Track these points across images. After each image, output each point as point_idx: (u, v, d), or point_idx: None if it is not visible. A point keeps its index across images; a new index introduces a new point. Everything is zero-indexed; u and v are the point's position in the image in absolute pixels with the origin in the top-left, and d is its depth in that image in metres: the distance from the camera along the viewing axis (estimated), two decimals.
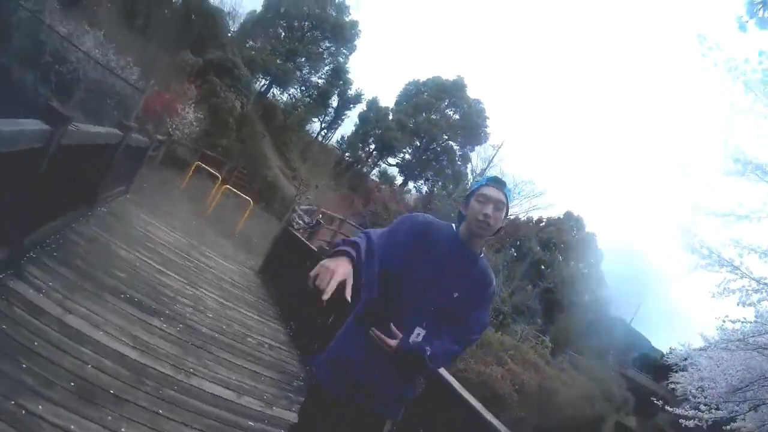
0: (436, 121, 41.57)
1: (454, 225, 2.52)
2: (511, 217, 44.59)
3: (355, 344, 2.43)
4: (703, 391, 13.37)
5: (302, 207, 15.05)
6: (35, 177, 3.11)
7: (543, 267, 43.57)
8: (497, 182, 2.43)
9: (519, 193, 42.72)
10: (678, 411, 13.37)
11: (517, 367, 15.56)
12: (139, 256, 5.70)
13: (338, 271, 1.88)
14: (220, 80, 22.16)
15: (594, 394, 21.42)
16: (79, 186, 4.82)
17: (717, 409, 12.20)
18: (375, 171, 46.12)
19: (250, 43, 34.73)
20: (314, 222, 11.49)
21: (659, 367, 47.19)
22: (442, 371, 3.33)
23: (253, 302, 7.09)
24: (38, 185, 3.28)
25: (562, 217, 49.87)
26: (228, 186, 16.49)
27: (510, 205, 2.48)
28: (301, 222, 10.41)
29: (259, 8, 36.10)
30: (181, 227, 9.41)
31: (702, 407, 12.70)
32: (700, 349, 15.00)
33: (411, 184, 44.76)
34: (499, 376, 13.39)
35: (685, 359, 22.32)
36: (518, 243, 43.57)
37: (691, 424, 12.79)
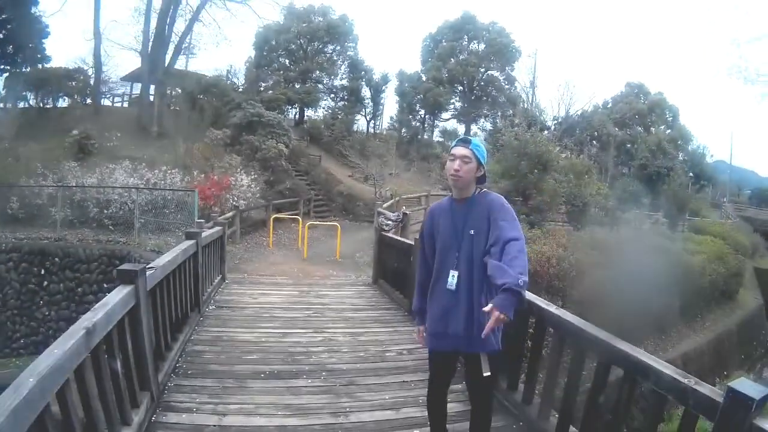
0: (465, 60, 40.97)
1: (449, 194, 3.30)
2: (578, 112, 43.93)
3: (431, 312, 3.18)
4: None
5: (384, 206, 15.28)
6: (140, 330, 3.41)
7: (629, 145, 42.35)
8: (463, 141, 3.07)
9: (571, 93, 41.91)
10: None
11: None
12: (263, 331, 6.02)
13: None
14: (254, 135, 22.57)
15: (722, 250, 20.46)
16: (181, 304, 5.15)
17: None
18: (436, 132, 46.16)
19: (263, 85, 35.35)
20: (401, 216, 11.60)
21: None
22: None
23: (379, 317, 7.30)
24: (149, 331, 3.63)
25: (623, 90, 48.69)
26: (311, 222, 17.00)
27: (479, 155, 3.04)
28: (389, 222, 10.54)
29: (252, 52, 37.03)
30: (287, 281, 9.81)
31: None
32: None
33: (474, 128, 44.54)
34: None
35: None
36: (596, 134, 42.47)
37: None
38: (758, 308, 20.94)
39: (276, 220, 17.05)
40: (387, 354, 5.60)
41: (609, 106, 48.05)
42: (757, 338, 20.28)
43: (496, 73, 42.96)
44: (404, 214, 12.04)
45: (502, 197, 3.20)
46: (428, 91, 39.75)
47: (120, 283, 3.25)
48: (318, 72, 37.48)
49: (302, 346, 5.56)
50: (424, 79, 41.60)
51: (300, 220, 17.09)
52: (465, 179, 3.03)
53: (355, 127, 39.64)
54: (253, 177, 18.74)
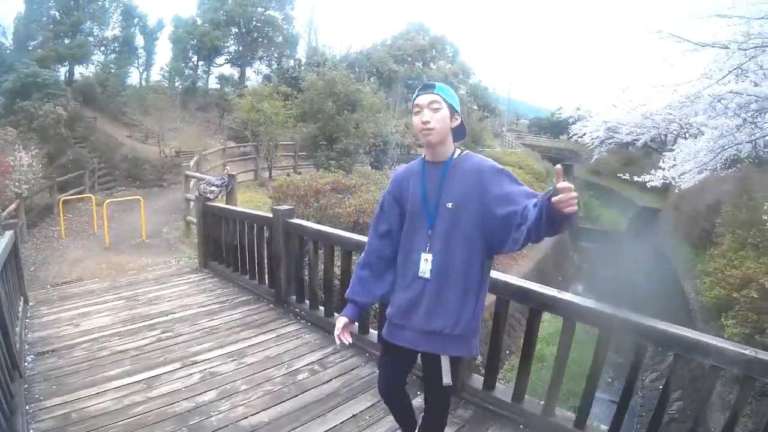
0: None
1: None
2: (358, 50, 44.60)
3: (394, 299, 2.66)
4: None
5: (194, 173, 13.32)
6: None
7: (410, 81, 43.86)
8: (425, 88, 2.49)
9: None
10: (645, 177, 14.40)
11: None
12: (117, 385, 4.13)
13: (342, 329, 2.63)
14: (29, 101, 19.32)
15: (526, 179, 21.54)
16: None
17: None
18: (212, 79, 42.68)
19: (32, 43, 30.70)
20: (226, 179, 9.68)
21: (553, 125, 50.15)
22: None
23: (244, 318, 5.82)
24: None
25: (405, 29, 50.79)
26: (110, 199, 14.53)
27: (450, 100, 2.47)
28: (214, 188, 8.73)
29: (22, 6, 31.86)
30: (102, 287, 7.50)
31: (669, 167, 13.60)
32: None
33: (249, 71, 42.52)
34: None
35: (578, 109, 24.22)
36: (375, 70, 42.80)
37: (658, 183, 13.98)
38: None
39: (64, 202, 14.11)
40: (300, 378, 4.33)
41: (388, 43, 48.80)
42: (566, 259, 22.10)
43: (275, 13, 40.93)
44: (230, 176, 10.20)
45: (491, 160, 2.52)
46: (204, 35, 36.65)
47: None
48: (89, 22, 33.31)
49: (185, 399, 3.94)
50: (199, 22, 38.34)
51: (93, 198, 14.35)
52: (439, 131, 2.43)
53: (128, 81, 36.03)
54: (33, 153, 15.58)
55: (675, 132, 21.84)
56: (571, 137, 39.70)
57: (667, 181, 13.47)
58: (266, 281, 6.50)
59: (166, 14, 52.26)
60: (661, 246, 20.98)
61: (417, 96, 2.49)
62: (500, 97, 62.52)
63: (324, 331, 5.32)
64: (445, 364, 2.53)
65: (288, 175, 19.86)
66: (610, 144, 30.96)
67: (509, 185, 2.38)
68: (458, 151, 2.55)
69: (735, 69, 9.42)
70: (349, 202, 10.74)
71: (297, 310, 5.86)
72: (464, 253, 2.45)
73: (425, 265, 2.48)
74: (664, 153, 16.36)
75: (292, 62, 37.14)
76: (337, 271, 5.49)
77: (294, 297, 5.97)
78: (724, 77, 9.57)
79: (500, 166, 2.47)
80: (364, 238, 4.41)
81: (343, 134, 19.88)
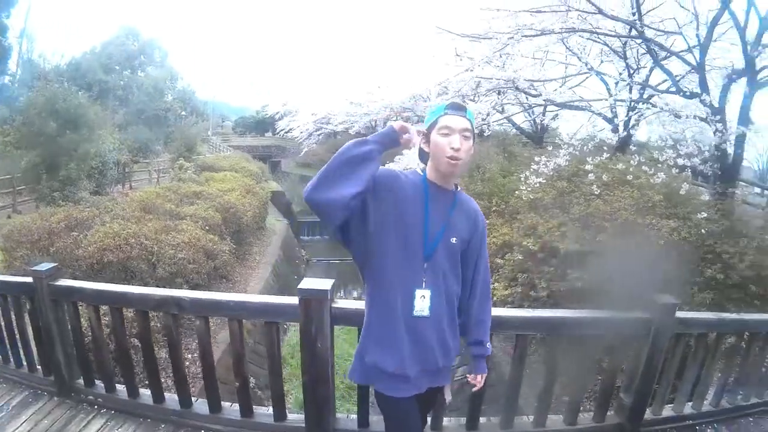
0: None
1: (419, 169, 2.30)
2: (68, 61, 41.53)
3: (386, 347, 2.23)
4: None
5: None
6: None
7: (120, 91, 41.76)
8: (458, 108, 2.16)
9: None
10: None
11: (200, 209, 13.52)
12: None
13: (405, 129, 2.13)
14: None
15: (248, 182, 21.07)
16: None
17: None
18: None
19: None
20: None
21: (258, 123, 51.00)
22: None
23: (38, 426, 4.18)
24: None
25: (117, 33, 48.14)
26: None
27: (474, 128, 2.17)
28: None
29: None
30: None
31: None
32: None
33: None
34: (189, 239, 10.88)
35: (284, 104, 24.53)
36: (86, 83, 39.59)
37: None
38: (286, 227, 23.27)
39: None
40: None
41: (98, 51, 45.80)
42: (296, 256, 23.00)
43: None
44: None
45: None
46: None
47: None
48: None
49: None
50: None
51: None
52: (465, 163, 2.15)
53: None
54: None
55: (385, 118, 23.34)
56: (277, 133, 40.42)
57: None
58: (38, 367, 4.90)
59: None
60: None
61: (445, 114, 2.15)
62: (205, 101, 62.06)
63: (134, 416, 4.14)
64: (447, 387, 2.51)
65: (9, 216, 16.93)
66: (319, 135, 32.03)
67: (484, 250, 2.40)
68: (457, 186, 2.33)
69: (485, 58, 10.45)
70: (88, 240, 9.63)
71: (91, 397, 4.55)
72: (456, 287, 2.31)
73: (422, 302, 2.19)
74: None
75: (6, 79, 32.17)
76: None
77: (81, 381, 4.63)
78: (476, 66, 10.67)
79: (483, 219, 2.41)
80: (169, 292, 3.72)
81: (66, 159, 17.62)
